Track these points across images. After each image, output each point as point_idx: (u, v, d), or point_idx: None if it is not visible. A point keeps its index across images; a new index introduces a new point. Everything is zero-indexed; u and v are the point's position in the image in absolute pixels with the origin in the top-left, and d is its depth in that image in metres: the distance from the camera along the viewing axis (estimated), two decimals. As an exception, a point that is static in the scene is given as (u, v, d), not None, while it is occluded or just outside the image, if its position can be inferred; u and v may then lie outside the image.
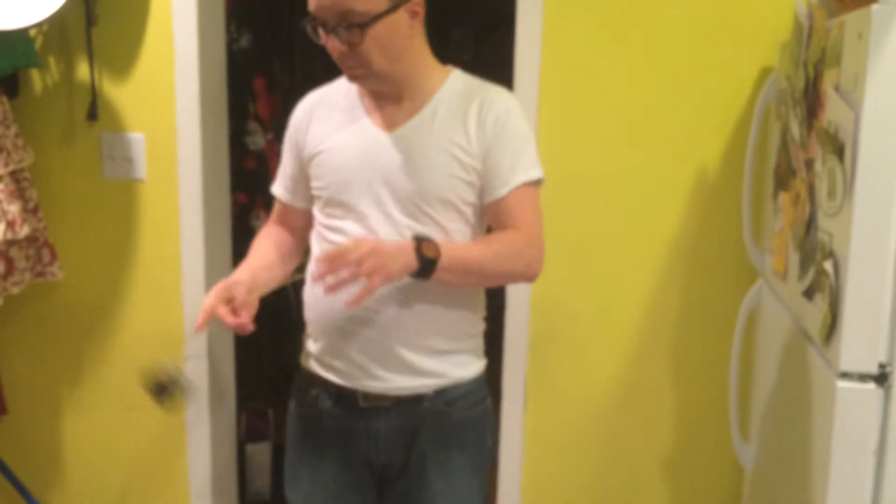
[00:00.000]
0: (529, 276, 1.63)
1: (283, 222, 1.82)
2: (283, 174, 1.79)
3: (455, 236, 1.62)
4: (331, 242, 1.64)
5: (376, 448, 1.69)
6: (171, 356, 2.51)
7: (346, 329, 1.62)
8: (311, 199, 1.75)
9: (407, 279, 1.51)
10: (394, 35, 1.54)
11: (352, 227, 1.62)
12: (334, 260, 1.41)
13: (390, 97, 1.63)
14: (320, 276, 1.44)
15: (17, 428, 2.56)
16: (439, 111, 1.62)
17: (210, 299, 1.53)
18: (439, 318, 1.64)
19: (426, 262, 1.47)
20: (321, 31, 1.54)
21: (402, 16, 1.53)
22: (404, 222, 1.60)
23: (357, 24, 1.50)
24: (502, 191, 1.60)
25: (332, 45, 1.54)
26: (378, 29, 1.50)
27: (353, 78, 1.60)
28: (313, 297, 1.68)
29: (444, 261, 1.49)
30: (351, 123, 1.65)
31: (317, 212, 1.70)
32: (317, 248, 1.70)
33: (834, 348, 1.57)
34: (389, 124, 1.63)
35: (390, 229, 1.59)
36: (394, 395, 1.65)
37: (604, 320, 2.41)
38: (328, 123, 1.67)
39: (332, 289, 1.44)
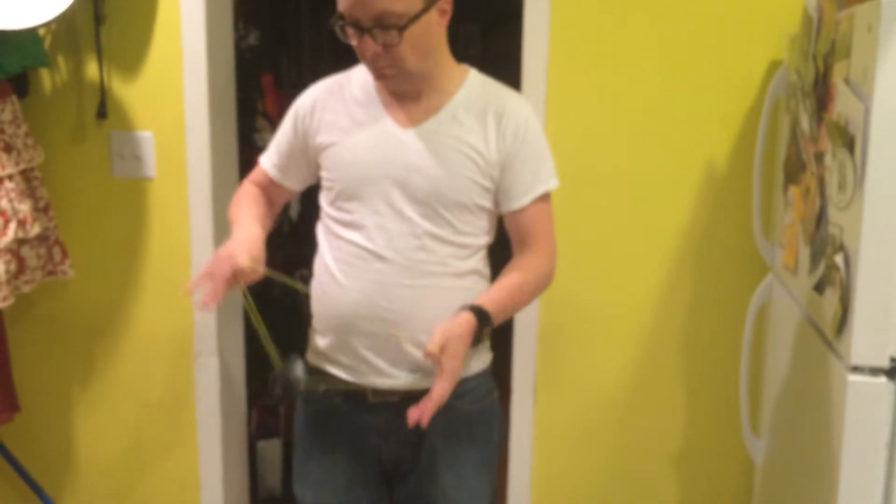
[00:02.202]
0: (547, 288, 1.74)
1: (265, 190, 1.82)
2: (279, 151, 1.77)
3: (467, 239, 1.64)
4: (342, 238, 1.64)
5: (386, 443, 1.69)
6: (181, 354, 2.52)
7: (354, 325, 1.63)
8: (302, 182, 1.76)
9: (415, 267, 1.60)
10: (426, 34, 1.54)
11: (365, 222, 1.62)
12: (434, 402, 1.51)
13: (410, 94, 1.63)
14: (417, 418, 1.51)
15: (30, 426, 2.58)
16: (458, 113, 1.62)
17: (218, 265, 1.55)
18: (448, 314, 1.64)
19: (478, 340, 1.57)
20: (351, 32, 1.52)
21: (433, 15, 1.54)
22: (419, 222, 1.60)
23: (394, 26, 1.48)
24: (523, 201, 1.66)
25: (366, 45, 1.52)
26: (413, 29, 1.50)
27: (382, 77, 1.58)
28: (322, 292, 1.68)
29: (493, 325, 1.60)
30: (368, 118, 1.64)
31: (326, 205, 1.70)
32: (324, 243, 1.70)
33: (845, 342, 1.56)
34: (407, 122, 1.62)
35: (404, 228, 1.60)
36: (402, 390, 1.65)
37: (614, 314, 2.41)
38: (344, 115, 1.66)
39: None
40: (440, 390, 1.51)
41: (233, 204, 1.79)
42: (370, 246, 1.61)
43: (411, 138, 1.61)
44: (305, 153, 1.72)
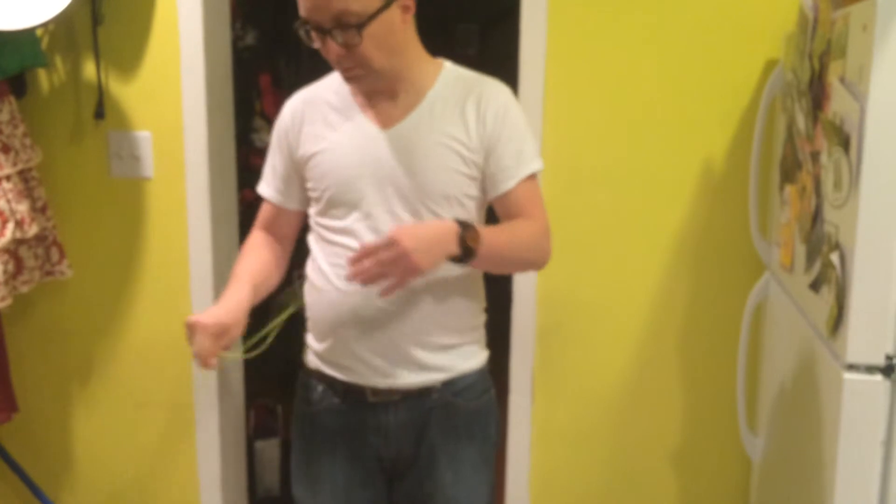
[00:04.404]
0: (542, 264, 1.68)
1: (272, 228, 1.79)
2: (274, 175, 1.76)
3: None
4: (335, 244, 1.64)
5: (386, 442, 1.70)
6: (179, 354, 2.52)
7: (353, 328, 1.63)
8: (304, 201, 1.74)
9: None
10: (389, 31, 1.53)
11: (357, 226, 1.62)
12: (366, 254, 1.43)
13: (385, 93, 1.62)
14: (352, 273, 1.45)
15: (28, 426, 2.58)
16: (436, 106, 1.62)
17: (206, 342, 1.51)
18: (445, 313, 1.65)
19: (467, 251, 1.48)
20: (314, 35, 1.53)
21: (395, 11, 1.53)
22: (410, 220, 1.60)
23: (353, 25, 1.48)
24: (510, 183, 1.63)
25: (329, 47, 1.52)
26: (374, 27, 1.49)
27: (351, 79, 1.58)
28: (319, 298, 1.68)
29: (481, 249, 1.50)
30: (347, 122, 1.64)
31: (315, 214, 1.69)
32: (316, 249, 1.69)
33: (841, 340, 1.57)
34: (386, 121, 1.62)
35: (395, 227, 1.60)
36: (402, 389, 1.66)
37: (611, 313, 2.41)
38: (322, 123, 1.66)
39: (359, 281, 1.46)
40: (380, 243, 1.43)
41: (239, 256, 1.77)
42: None
43: (392, 138, 1.61)
44: (297, 170, 1.71)
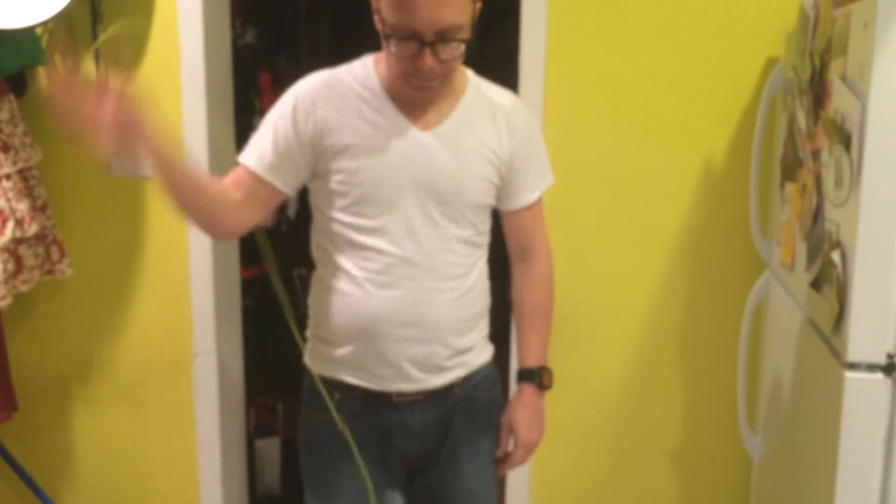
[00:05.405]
0: None
1: (241, 190, 1.59)
2: (274, 148, 1.58)
3: (481, 238, 1.67)
4: (365, 246, 1.58)
5: (411, 441, 1.68)
6: (179, 353, 2.52)
7: (388, 333, 1.59)
8: (294, 183, 1.61)
9: (443, 270, 1.61)
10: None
11: (392, 228, 1.56)
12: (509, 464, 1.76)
13: (423, 97, 1.58)
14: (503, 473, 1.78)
15: (28, 425, 2.57)
16: (470, 114, 1.61)
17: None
18: (470, 315, 1.66)
19: (550, 382, 1.81)
20: (407, 45, 1.45)
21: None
22: (445, 225, 1.58)
23: (458, 39, 1.46)
24: (533, 196, 1.71)
25: (426, 60, 1.45)
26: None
27: (425, 90, 1.53)
28: (344, 303, 1.61)
29: (549, 363, 1.81)
30: (384, 122, 1.57)
31: (339, 210, 1.59)
32: (339, 250, 1.61)
33: (842, 339, 1.57)
34: (425, 125, 1.58)
35: (432, 231, 1.58)
36: (428, 390, 1.65)
37: (612, 312, 2.41)
38: (355, 117, 1.57)
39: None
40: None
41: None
42: (400, 252, 1.56)
43: (431, 141, 1.57)
44: (303, 152, 1.58)
